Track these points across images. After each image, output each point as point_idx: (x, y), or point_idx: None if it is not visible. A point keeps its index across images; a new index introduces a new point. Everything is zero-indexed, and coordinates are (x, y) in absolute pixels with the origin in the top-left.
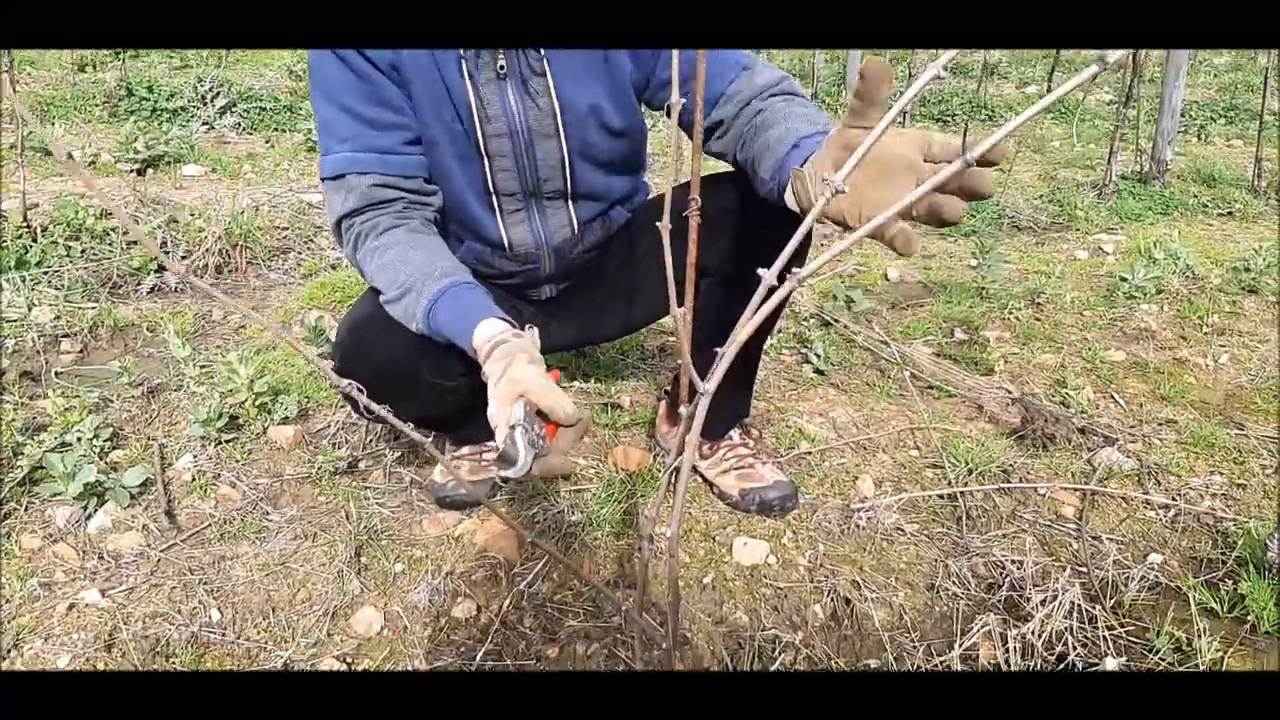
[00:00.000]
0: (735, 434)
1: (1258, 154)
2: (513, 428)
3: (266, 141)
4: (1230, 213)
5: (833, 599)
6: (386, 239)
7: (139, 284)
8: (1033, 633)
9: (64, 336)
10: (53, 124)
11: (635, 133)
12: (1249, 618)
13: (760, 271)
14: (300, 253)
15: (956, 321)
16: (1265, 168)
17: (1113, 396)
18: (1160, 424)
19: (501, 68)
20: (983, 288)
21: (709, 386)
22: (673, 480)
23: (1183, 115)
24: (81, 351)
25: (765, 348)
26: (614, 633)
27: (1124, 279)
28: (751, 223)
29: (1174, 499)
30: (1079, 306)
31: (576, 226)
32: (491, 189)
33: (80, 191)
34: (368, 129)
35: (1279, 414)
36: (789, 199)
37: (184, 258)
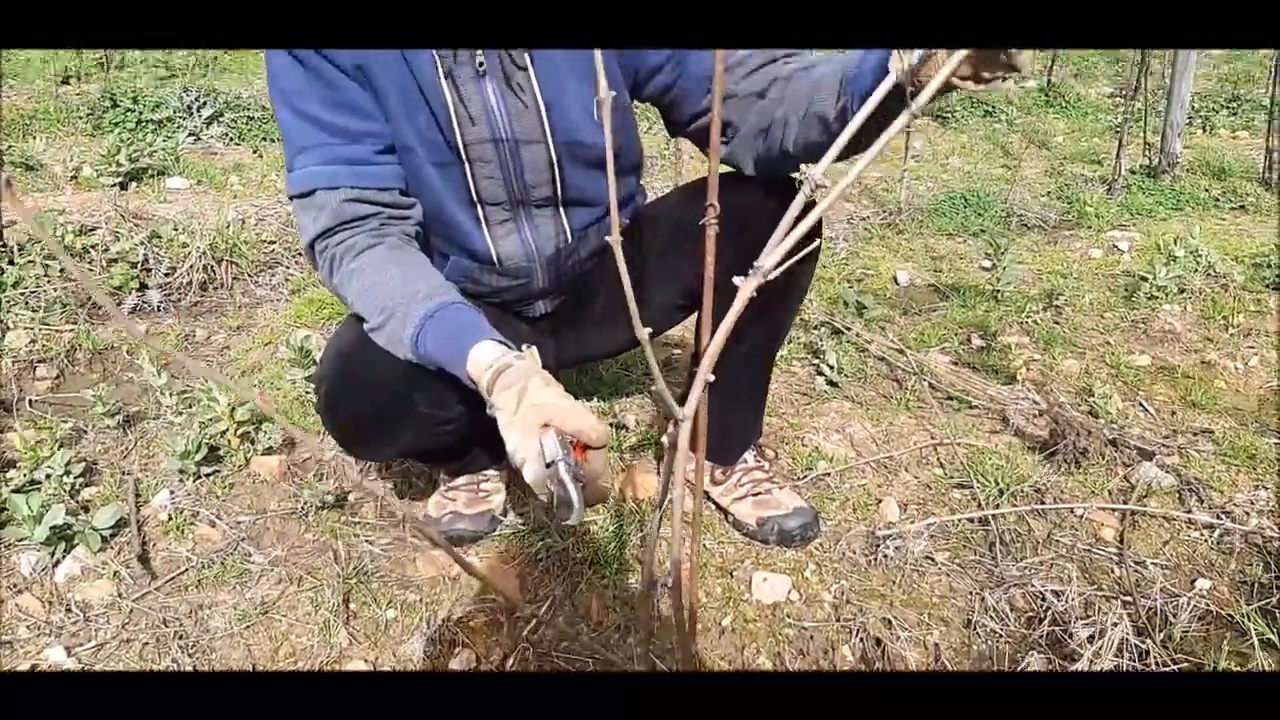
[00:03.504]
0: (750, 456)
1: (1267, 145)
2: (551, 464)
3: (255, 151)
4: (1243, 206)
5: (862, 639)
6: (364, 259)
7: (120, 303)
8: (1082, 674)
9: (40, 362)
10: (33, 138)
11: (628, 129)
12: None
13: (736, 280)
14: (288, 267)
15: (973, 327)
16: (1276, 159)
17: (1141, 404)
18: (1195, 434)
19: (481, 65)
20: (997, 291)
21: (686, 411)
22: (661, 520)
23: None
24: (58, 377)
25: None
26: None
27: (1144, 278)
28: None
29: (1219, 517)
30: (1099, 308)
31: (570, 235)
32: (475, 197)
33: (60, 208)
34: (335, 138)
35: None
36: (895, 69)
37: (167, 275)
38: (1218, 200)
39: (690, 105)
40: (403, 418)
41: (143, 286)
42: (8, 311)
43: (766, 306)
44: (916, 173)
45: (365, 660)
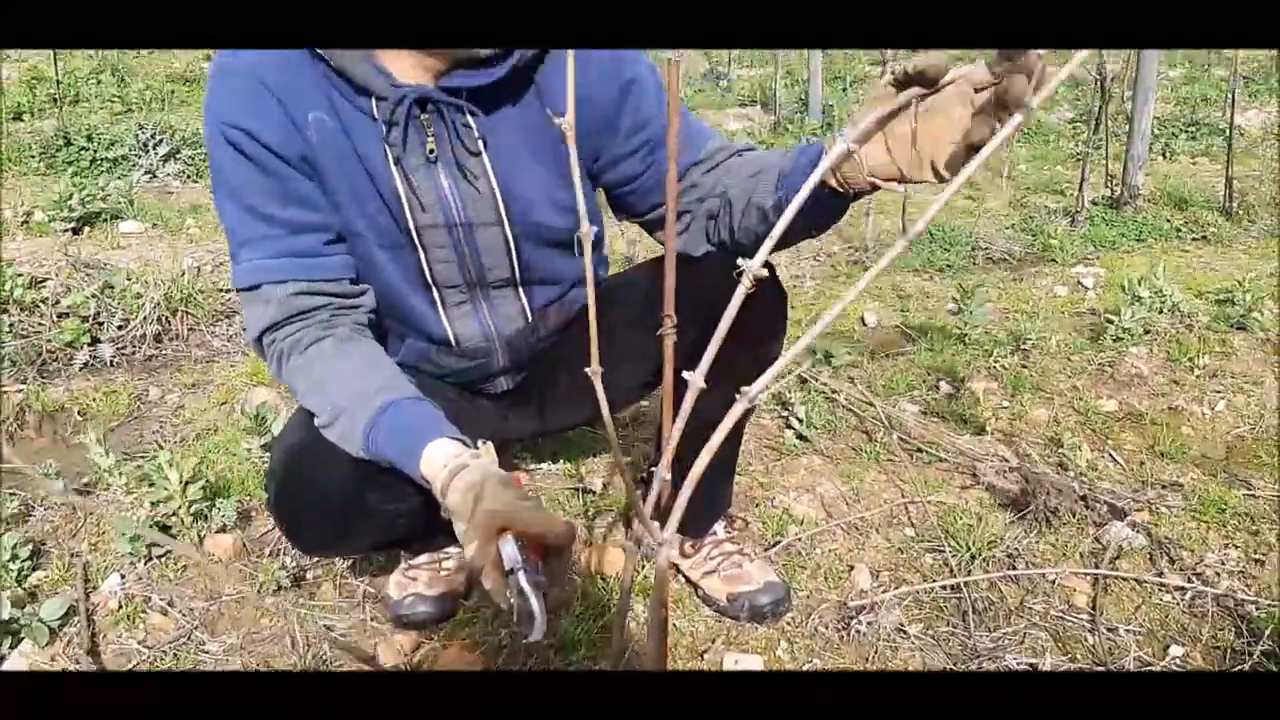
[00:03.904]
0: (719, 528)
1: (1227, 174)
2: (511, 572)
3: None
4: (1205, 237)
5: None
6: (312, 353)
7: (70, 359)
8: None
9: None
10: None
11: (591, 207)
12: None
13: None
14: None
15: (941, 372)
16: (1236, 188)
17: (1110, 455)
18: (1165, 487)
19: (431, 151)
20: (964, 334)
21: (666, 535)
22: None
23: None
24: (9, 442)
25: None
26: None
27: (1110, 320)
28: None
29: (1190, 580)
30: (1066, 351)
31: (530, 315)
32: (430, 280)
33: (10, 257)
34: (280, 231)
35: None
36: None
37: (120, 328)
38: (1179, 231)
39: (655, 197)
40: (357, 517)
41: (94, 340)
42: None
43: (733, 376)
44: (881, 205)
45: None
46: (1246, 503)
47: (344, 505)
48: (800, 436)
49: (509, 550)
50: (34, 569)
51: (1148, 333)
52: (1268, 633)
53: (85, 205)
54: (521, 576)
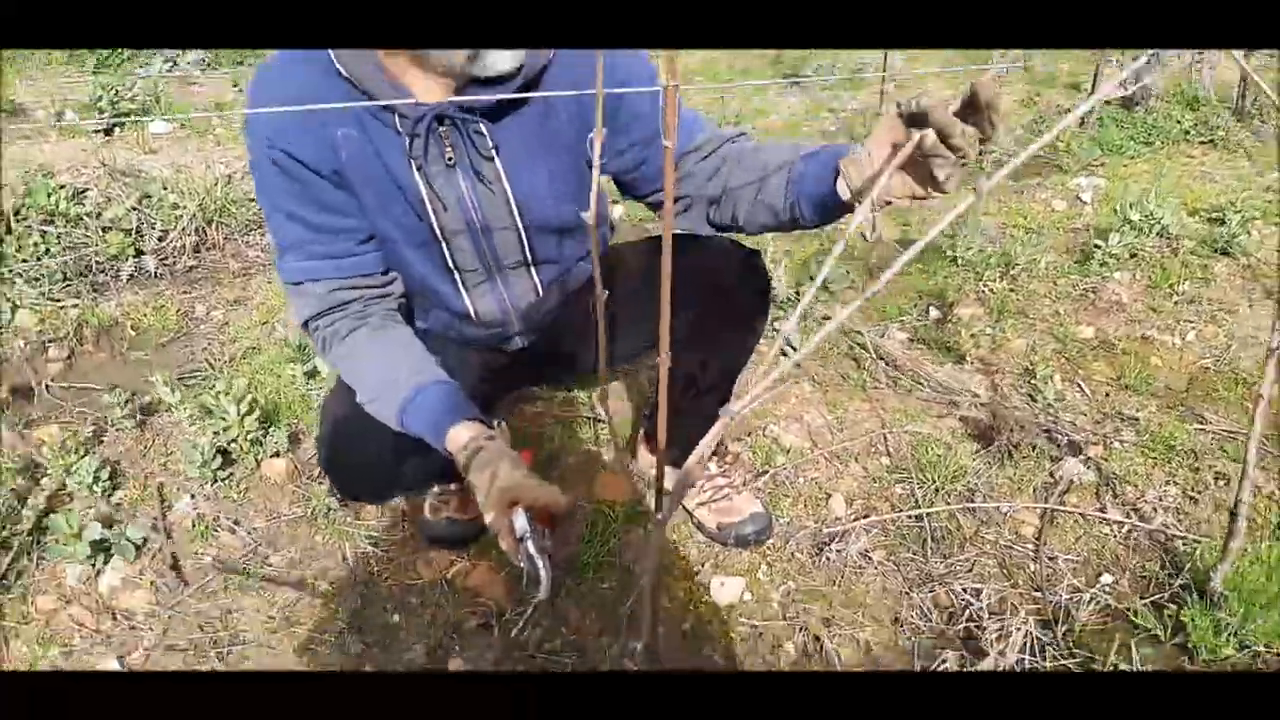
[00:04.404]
0: (712, 465)
1: (1242, 73)
2: (522, 540)
3: (235, 85)
4: (1212, 140)
5: (804, 636)
6: (350, 343)
7: (118, 272)
8: (990, 669)
9: (50, 342)
10: (15, 81)
11: (589, 197)
12: (1189, 645)
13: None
14: None
15: (932, 296)
16: (1249, 85)
17: (1079, 385)
18: (1123, 420)
19: (450, 159)
20: (957, 256)
21: (663, 517)
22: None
23: None
24: (69, 358)
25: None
26: None
27: (1097, 245)
28: (706, 286)
29: (1129, 515)
30: (1053, 274)
31: (540, 290)
32: (452, 266)
33: (47, 162)
34: (317, 235)
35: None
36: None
37: (160, 239)
38: (1188, 134)
39: (654, 183)
40: (393, 474)
41: (138, 253)
42: (11, 286)
43: (720, 359)
44: (895, 100)
45: (375, 666)
46: (1195, 438)
47: (383, 466)
48: (795, 364)
49: (520, 521)
50: (114, 489)
51: (1134, 256)
52: (1187, 567)
53: (114, 106)
54: (530, 543)
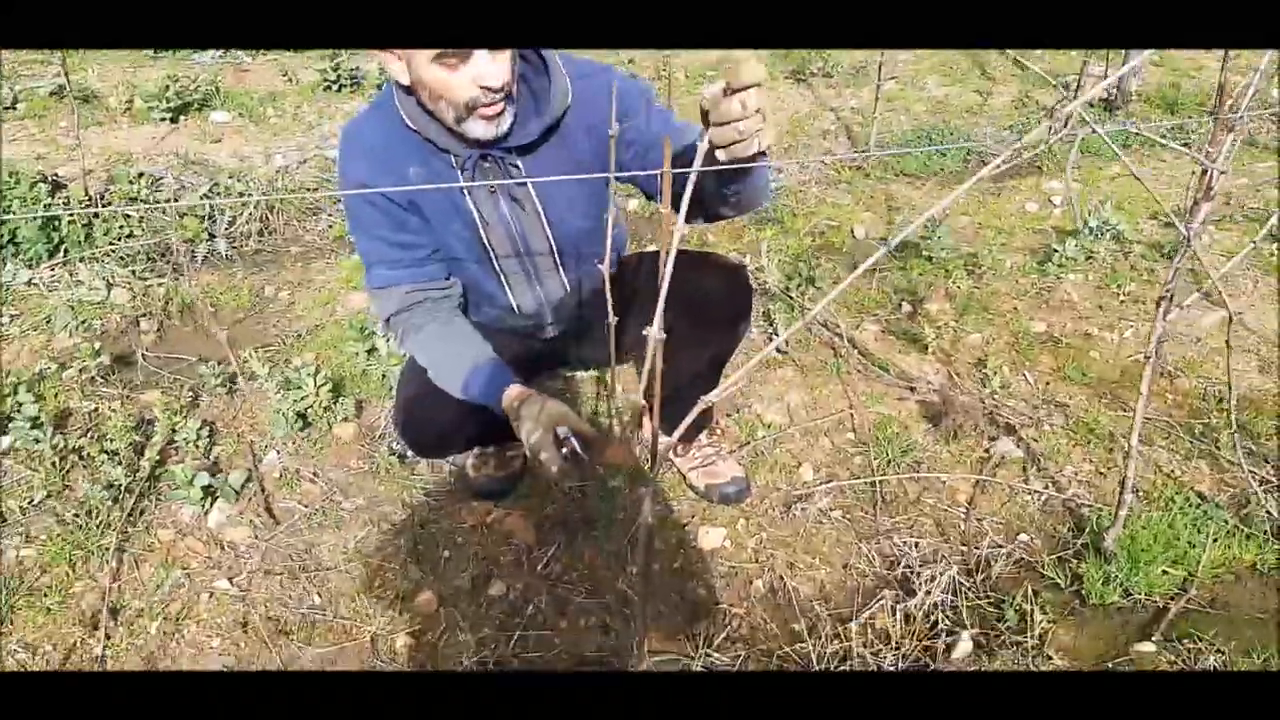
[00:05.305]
0: (703, 436)
1: (1221, 75)
2: (565, 440)
3: (284, 75)
4: (1186, 143)
5: (771, 576)
6: (424, 335)
7: (194, 254)
8: (916, 606)
9: (141, 317)
10: (86, 70)
11: (605, 211)
12: (1083, 592)
13: (648, 331)
14: (330, 214)
15: (906, 293)
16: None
17: (1024, 375)
18: (1055, 407)
19: (492, 190)
20: (930, 255)
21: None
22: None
23: None
24: (159, 331)
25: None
26: (607, 610)
27: (1055, 249)
28: (699, 293)
29: (1047, 486)
30: (1015, 274)
31: (567, 286)
32: (498, 270)
33: (123, 150)
34: (397, 250)
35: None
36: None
37: (229, 225)
38: (1164, 136)
39: (653, 186)
40: (455, 434)
41: (210, 236)
42: (104, 266)
43: (709, 352)
44: (891, 99)
45: (432, 590)
46: (1117, 422)
47: (448, 428)
48: (780, 350)
49: (563, 431)
50: (212, 445)
51: (1090, 258)
52: (1087, 529)
53: (180, 97)
54: (573, 441)
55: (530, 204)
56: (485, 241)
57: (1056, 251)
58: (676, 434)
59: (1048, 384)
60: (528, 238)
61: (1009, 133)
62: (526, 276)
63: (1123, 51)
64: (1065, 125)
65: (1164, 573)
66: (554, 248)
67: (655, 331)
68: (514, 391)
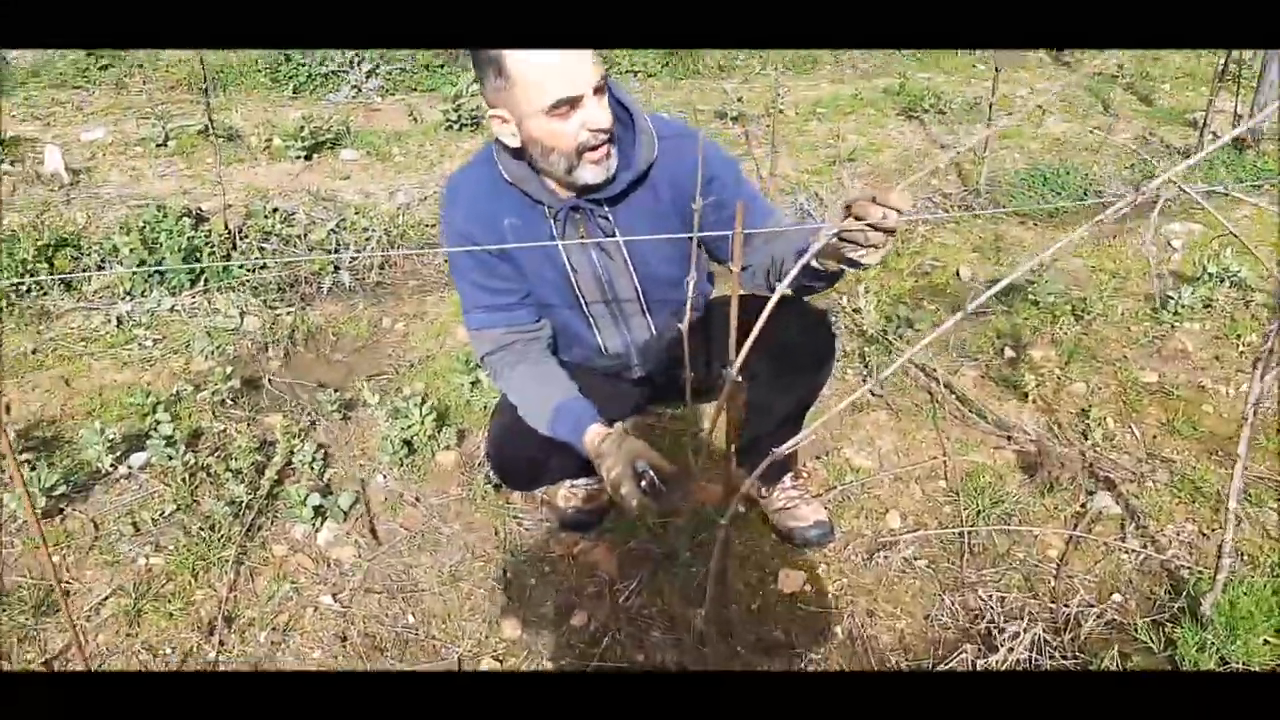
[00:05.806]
0: (787, 478)
1: None
2: (643, 474)
3: (410, 115)
4: None
5: (850, 623)
6: (516, 375)
7: (320, 285)
8: (998, 662)
9: (270, 343)
10: (231, 110)
11: (689, 258)
12: (1176, 657)
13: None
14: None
15: (1009, 338)
16: None
17: (1130, 428)
18: (1160, 462)
19: (583, 237)
20: (1037, 300)
21: (724, 520)
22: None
23: None
24: (285, 357)
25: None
26: (681, 647)
27: (1170, 296)
28: (783, 338)
29: (1146, 545)
30: (1127, 320)
31: (653, 330)
32: (587, 315)
33: (261, 186)
34: (493, 296)
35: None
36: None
37: (353, 258)
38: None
39: (723, 252)
40: (543, 468)
41: (335, 269)
42: (239, 295)
43: (794, 397)
44: (1007, 137)
45: (518, 616)
46: (1226, 481)
47: (534, 463)
48: (873, 393)
49: (641, 465)
50: (326, 468)
51: (1207, 307)
52: (1184, 593)
53: (314, 136)
54: (651, 474)
55: (618, 253)
56: (575, 287)
57: (1172, 298)
58: (754, 475)
59: (1155, 438)
60: (615, 284)
61: (1130, 171)
62: (614, 320)
63: (1254, 84)
64: (1156, 197)
65: (1265, 642)
66: (640, 293)
67: (731, 373)
68: (597, 430)
